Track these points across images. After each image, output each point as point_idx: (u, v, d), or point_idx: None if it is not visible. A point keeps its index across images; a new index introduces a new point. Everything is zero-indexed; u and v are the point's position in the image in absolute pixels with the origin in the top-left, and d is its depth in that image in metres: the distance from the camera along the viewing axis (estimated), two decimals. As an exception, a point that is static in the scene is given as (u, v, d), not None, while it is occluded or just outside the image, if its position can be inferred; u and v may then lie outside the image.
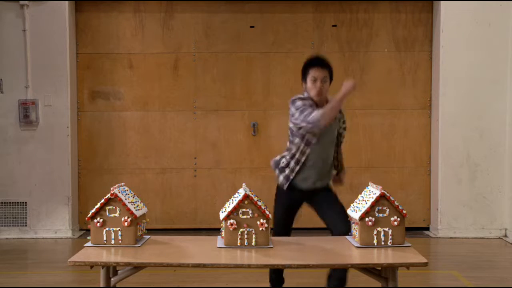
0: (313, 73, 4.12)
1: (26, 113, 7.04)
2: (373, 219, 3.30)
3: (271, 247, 3.34)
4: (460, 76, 7.06)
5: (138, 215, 3.39)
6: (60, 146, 7.15)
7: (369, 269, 3.24)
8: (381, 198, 3.32)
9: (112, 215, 3.37)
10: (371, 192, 3.41)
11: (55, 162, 7.13)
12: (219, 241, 3.45)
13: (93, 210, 3.39)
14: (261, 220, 3.32)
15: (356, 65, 7.41)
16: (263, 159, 7.46)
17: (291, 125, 4.18)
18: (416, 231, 7.41)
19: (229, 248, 3.33)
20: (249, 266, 3.11)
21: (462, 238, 7.08)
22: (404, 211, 3.34)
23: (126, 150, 7.46)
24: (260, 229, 3.32)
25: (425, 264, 3.12)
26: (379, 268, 3.28)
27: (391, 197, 3.33)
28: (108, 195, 3.37)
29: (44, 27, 7.05)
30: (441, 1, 7.06)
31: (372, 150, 7.46)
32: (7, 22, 7.05)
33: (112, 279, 3.33)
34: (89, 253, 3.27)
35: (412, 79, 7.42)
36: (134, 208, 3.40)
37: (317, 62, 4.17)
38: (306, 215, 7.51)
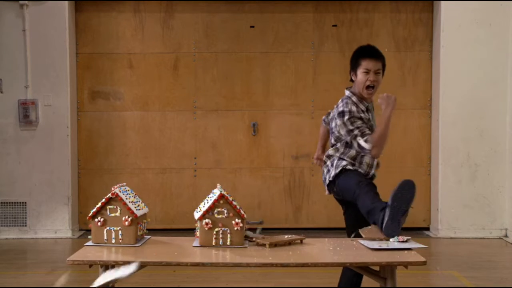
0: (366, 64, 3.79)
1: (26, 113, 7.04)
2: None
3: (246, 247, 3.35)
4: (460, 76, 7.06)
5: (138, 215, 3.39)
6: (60, 146, 7.15)
7: (367, 269, 3.24)
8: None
9: (113, 214, 3.37)
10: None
11: (55, 162, 7.12)
12: (195, 241, 3.46)
13: (94, 210, 3.39)
14: (236, 220, 3.33)
15: (356, 65, 7.41)
16: (263, 159, 7.47)
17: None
18: (416, 231, 7.40)
19: (206, 247, 3.35)
20: (247, 265, 3.11)
21: (462, 238, 7.08)
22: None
23: (126, 150, 7.46)
24: (235, 228, 3.33)
25: (424, 263, 3.12)
26: (378, 269, 3.29)
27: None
28: (109, 195, 3.37)
29: (44, 27, 7.05)
30: (441, 1, 7.07)
31: (372, 150, 7.45)
32: (7, 22, 7.05)
33: (111, 278, 3.32)
34: (89, 252, 3.27)
35: (412, 79, 7.42)
36: (135, 207, 3.40)
37: (370, 52, 3.82)
38: (305, 215, 7.53)
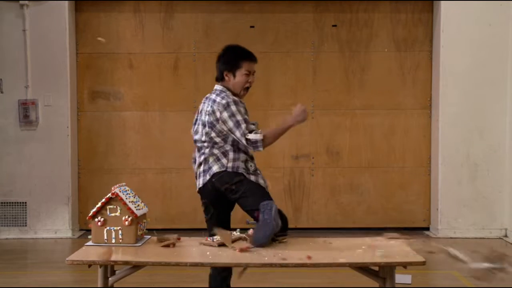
0: (247, 66, 3.87)
1: (26, 113, 7.04)
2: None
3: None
4: (460, 76, 7.06)
5: (138, 215, 3.40)
6: (60, 146, 7.15)
7: (366, 269, 3.24)
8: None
9: (113, 214, 3.38)
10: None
11: (55, 162, 7.12)
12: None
13: (94, 209, 3.40)
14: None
15: (356, 65, 7.41)
16: (263, 159, 7.42)
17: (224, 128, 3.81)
18: (416, 231, 7.40)
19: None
20: (247, 265, 3.11)
21: (462, 238, 7.08)
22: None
23: (126, 150, 7.45)
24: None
25: (423, 263, 3.12)
26: (377, 269, 3.29)
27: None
28: (109, 195, 3.38)
29: (44, 27, 7.05)
30: (441, 1, 7.07)
31: (372, 150, 7.46)
32: (7, 22, 7.05)
33: (110, 278, 3.32)
34: (88, 252, 3.28)
35: (412, 79, 7.42)
36: (135, 207, 3.41)
37: (251, 55, 3.93)
38: (305, 215, 7.53)
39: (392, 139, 7.47)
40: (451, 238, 7.10)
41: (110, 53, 7.40)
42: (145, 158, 7.46)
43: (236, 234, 3.51)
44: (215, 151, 3.82)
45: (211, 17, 7.40)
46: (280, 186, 7.45)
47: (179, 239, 3.49)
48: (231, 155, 3.81)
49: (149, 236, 3.60)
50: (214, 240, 3.45)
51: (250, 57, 3.91)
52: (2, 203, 7.15)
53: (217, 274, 3.89)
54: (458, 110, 7.07)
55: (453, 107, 7.08)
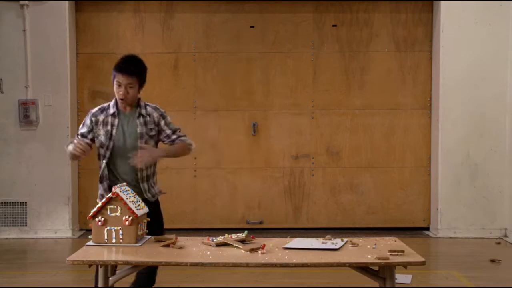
0: (118, 78, 4.00)
1: (26, 113, 7.04)
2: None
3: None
4: (460, 76, 7.06)
5: (139, 215, 3.41)
6: (60, 146, 7.11)
7: (366, 269, 3.24)
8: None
9: (113, 214, 3.39)
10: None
11: (55, 162, 7.12)
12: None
13: (95, 209, 3.40)
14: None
15: (356, 65, 7.41)
16: (263, 159, 7.46)
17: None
18: (416, 231, 7.41)
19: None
20: (247, 265, 3.11)
21: (462, 238, 7.08)
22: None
23: (126, 150, 7.44)
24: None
25: (423, 263, 3.13)
26: (377, 269, 3.29)
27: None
28: (110, 194, 3.39)
29: (44, 27, 7.05)
30: (441, 1, 7.07)
31: (372, 150, 7.46)
32: (7, 22, 7.05)
33: (110, 278, 3.32)
34: (89, 252, 3.28)
35: (412, 79, 7.42)
36: (135, 207, 3.41)
37: (123, 68, 4.01)
38: (305, 215, 7.53)
39: (392, 139, 7.47)
40: (451, 238, 7.10)
41: (110, 53, 7.39)
42: (145, 158, 7.44)
43: (241, 235, 3.51)
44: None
45: (211, 17, 7.40)
46: (280, 186, 7.45)
47: (176, 238, 3.49)
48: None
49: (150, 236, 3.60)
50: (214, 240, 3.45)
51: (119, 69, 4.00)
52: (2, 203, 7.15)
53: (145, 272, 3.99)
54: (458, 110, 7.08)
55: (453, 107, 7.08)
